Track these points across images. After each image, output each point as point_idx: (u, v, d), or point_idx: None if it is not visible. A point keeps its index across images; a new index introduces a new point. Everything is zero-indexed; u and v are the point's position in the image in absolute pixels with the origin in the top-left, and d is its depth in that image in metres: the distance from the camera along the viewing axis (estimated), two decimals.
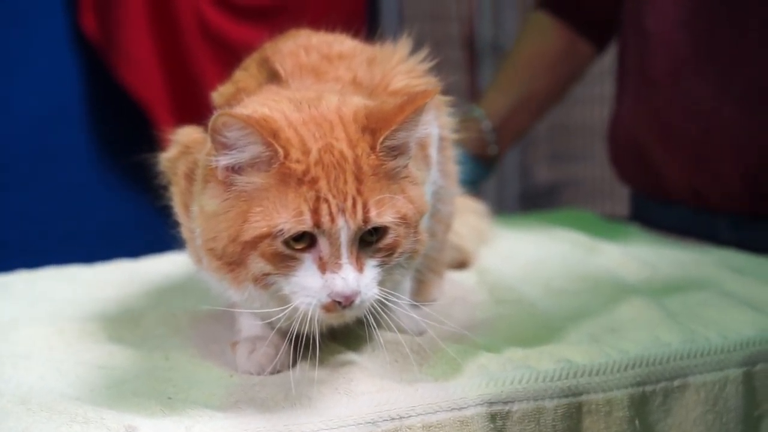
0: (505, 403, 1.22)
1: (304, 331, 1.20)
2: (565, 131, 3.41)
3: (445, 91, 1.43)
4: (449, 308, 1.53)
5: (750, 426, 1.38)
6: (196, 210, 1.21)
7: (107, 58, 3.11)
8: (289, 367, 1.27)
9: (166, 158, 1.37)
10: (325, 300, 1.13)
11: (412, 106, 1.15)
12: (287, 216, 1.11)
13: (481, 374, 1.24)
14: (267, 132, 1.12)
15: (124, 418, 1.12)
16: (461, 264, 1.72)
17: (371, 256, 1.16)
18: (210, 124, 1.11)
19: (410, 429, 1.16)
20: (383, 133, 1.15)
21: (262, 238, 1.12)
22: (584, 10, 2.18)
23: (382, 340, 1.33)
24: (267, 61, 1.37)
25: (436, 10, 3.58)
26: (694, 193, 1.98)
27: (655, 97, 2.00)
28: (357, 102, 1.22)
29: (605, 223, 2.19)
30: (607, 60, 2.53)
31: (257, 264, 1.14)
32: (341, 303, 1.13)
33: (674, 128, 1.97)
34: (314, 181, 1.12)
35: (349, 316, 1.18)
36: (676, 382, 1.33)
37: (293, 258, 1.13)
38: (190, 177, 1.28)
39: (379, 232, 1.16)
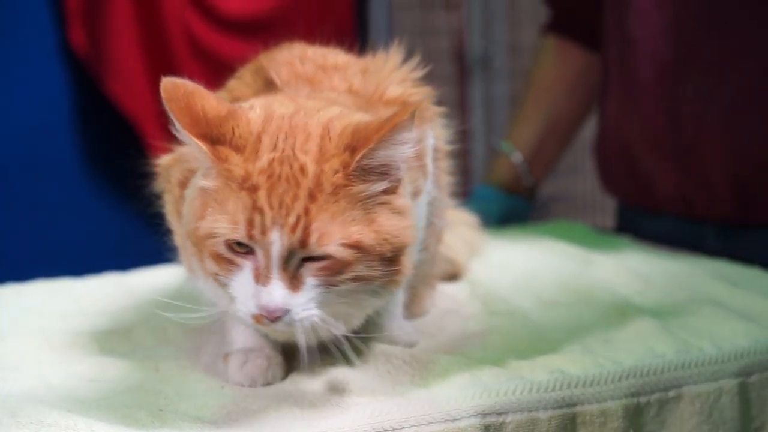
0: (499, 414, 1.21)
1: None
2: None
3: (437, 104, 1.44)
4: (441, 320, 1.53)
5: None
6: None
7: (95, 71, 3.10)
8: (281, 379, 1.26)
9: (161, 164, 1.36)
10: (253, 311, 1.11)
11: (389, 123, 1.09)
12: (225, 222, 1.09)
13: (474, 385, 1.23)
14: (196, 131, 1.12)
15: (115, 430, 1.10)
16: (453, 276, 1.72)
17: (313, 275, 1.11)
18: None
19: None
20: (361, 152, 1.10)
21: (206, 238, 1.12)
22: (595, 26, 2.18)
23: (374, 352, 1.33)
24: (262, 70, 1.37)
25: (426, 23, 3.59)
26: (681, 201, 1.97)
27: (640, 103, 1.99)
28: (356, 118, 1.18)
29: (597, 235, 2.18)
30: None
31: (207, 261, 1.14)
32: (267, 317, 1.11)
33: (660, 135, 1.96)
34: (254, 189, 1.09)
35: (282, 332, 1.16)
36: (670, 393, 1.32)
37: (234, 263, 1.11)
38: (183, 184, 1.27)
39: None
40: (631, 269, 1.79)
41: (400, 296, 1.41)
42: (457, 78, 3.60)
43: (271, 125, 1.14)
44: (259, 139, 1.13)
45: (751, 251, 1.88)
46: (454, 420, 1.18)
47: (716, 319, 1.48)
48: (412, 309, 1.50)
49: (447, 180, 1.52)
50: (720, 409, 1.34)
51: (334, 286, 1.12)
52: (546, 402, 1.24)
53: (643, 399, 1.30)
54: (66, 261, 2.24)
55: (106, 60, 3.10)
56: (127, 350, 1.41)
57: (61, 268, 1.95)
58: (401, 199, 1.17)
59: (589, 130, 2.43)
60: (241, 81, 1.40)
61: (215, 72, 3.08)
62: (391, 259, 1.15)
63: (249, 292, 1.11)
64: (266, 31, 3.17)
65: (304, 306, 1.11)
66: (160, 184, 1.37)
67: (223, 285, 1.15)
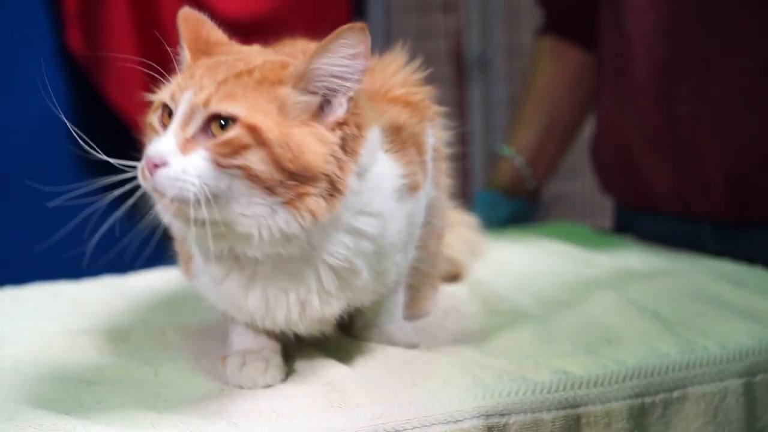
0: (502, 415, 1.20)
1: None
2: None
3: (436, 104, 1.43)
4: (442, 320, 1.52)
5: None
6: None
7: (93, 76, 3.09)
8: (280, 381, 1.25)
9: None
10: (143, 163, 1.13)
11: (336, 33, 1.12)
12: (165, 90, 1.18)
13: (476, 386, 1.22)
14: (193, 45, 1.24)
15: None
16: (454, 276, 1.70)
17: (206, 148, 1.10)
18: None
19: None
20: (302, 60, 1.15)
21: (154, 109, 1.19)
22: (591, 26, 2.17)
23: (374, 353, 1.32)
24: None
25: (423, 25, 3.58)
26: (678, 199, 1.96)
27: (636, 102, 1.98)
28: None
29: (597, 235, 2.17)
30: None
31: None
32: (146, 167, 1.11)
33: (656, 134, 1.95)
34: (193, 68, 1.17)
35: (167, 198, 1.10)
36: (675, 393, 1.31)
37: (152, 127, 1.18)
38: None
39: (226, 128, 1.11)
40: (632, 269, 1.78)
41: (400, 297, 1.41)
42: (456, 80, 3.59)
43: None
44: (208, 50, 1.23)
45: (749, 250, 1.87)
46: (456, 421, 1.17)
47: (720, 319, 1.47)
48: (414, 309, 1.49)
49: (446, 182, 1.52)
50: (725, 410, 1.33)
51: (224, 167, 1.10)
52: (549, 403, 1.23)
53: (647, 399, 1.29)
54: (64, 264, 2.22)
55: (104, 64, 3.09)
56: (125, 353, 1.40)
57: (59, 271, 1.94)
58: (330, 135, 1.14)
59: (586, 131, 2.42)
60: None
61: None
62: (294, 176, 1.11)
63: (149, 147, 1.13)
64: (264, 33, 3.15)
65: (184, 169, 1.09)
66: None
67: None
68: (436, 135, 1.44)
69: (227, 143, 1.10)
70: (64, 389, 1.24)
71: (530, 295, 1.64)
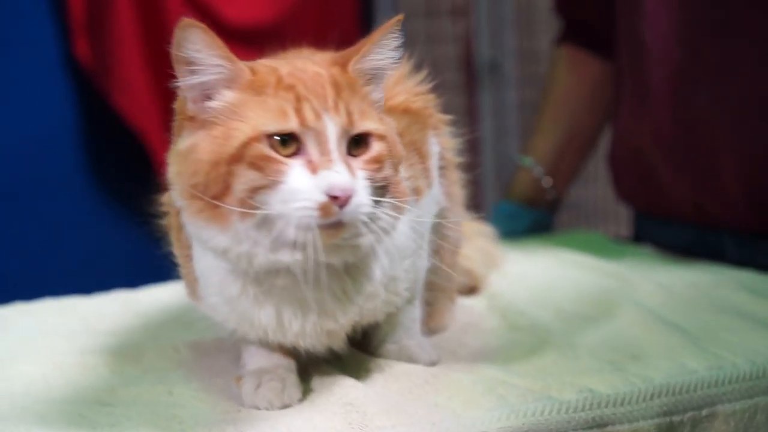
0: None
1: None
2: None
3: (444, 112, 1.43)
4: (461, 336, 1.49)
5: None
6: (170, 168, 1.15)
7: (101, 84, 3.08)
8: (297, 401, 1.22)
9: (164, 199, 1.33)
10: (321, 199, 1.07)
11: (381, 30, 1.16)
12: (270, 117, 1.09)
13: (501, 406, 1.19)
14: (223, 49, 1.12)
15: None
16: (471, 289, 1.68)
17: (361, 167, 1.11)
18: (173, 41, 1.11)
19: None
20: (354, 58, 1.16)
21: (247, 144, 1.08)
22: (608, 35, 2.14)
23: (394, 371, 1.29)
24: None
25: (432, 30, 3.55)
26: (697, 209, 1.94)
27: (653, 110, 1.96)
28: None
29: (615, 245, 2.14)
30: None
31: (244, 178, 1.08)
32: (338, 199, 1.07)
33: (674, 142, 1.93)
34: (290, 87, 1.11)
35: (346, 227, 1.09)
36: (704, 412, 1.27)
37: (280, 163, 1.08)
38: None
39: (363, 143, 1.13)
40: (653, 280, 1.74)
41: (417, 312, 1.38)
42: (466, 85, 3.56)
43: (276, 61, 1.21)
44: (270, 66, 1.16)
45: (767, 259, 1.84)
46: None
47: (747, 332, 1.44)
48: (432, 324, 1.46)
49: (459, 192, 1.50)
50: (755, 427, 1.30)
51: (374, 181, 1.12)
52: (576, 423, 1.20)
53: (675, 418, 1.26)
54: (74, 278, 2.20)
55: (112, 72, 3.08)
56: (138, 373, 1.37)
57: (70, 285, 1.92)
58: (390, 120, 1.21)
59: (601, 138, 2.39)
60: None
61: None
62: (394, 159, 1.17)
63: (309, 184, 1.07)
64: (270, 40, 3.14)
65: (363, 193, 1.10)
66: (165, 220, 1.33)
67: (258, 207, 1.08)
68: (442, 143, 1.42)
69: (375, 159, 1.13)
70: (78, 411, 1.21)
71: (551, 309, 1.61)
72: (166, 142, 2.91)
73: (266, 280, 1.16)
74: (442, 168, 1.41)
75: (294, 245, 1.09)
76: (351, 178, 1.08)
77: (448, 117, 1.44)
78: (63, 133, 3.11)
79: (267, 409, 1.20)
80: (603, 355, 1.37)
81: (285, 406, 1.21)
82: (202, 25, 1.10)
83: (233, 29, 3.20)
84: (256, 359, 1.27)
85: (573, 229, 2.66)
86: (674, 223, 2.03)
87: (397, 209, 1.16)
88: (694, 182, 1.91)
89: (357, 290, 1.19)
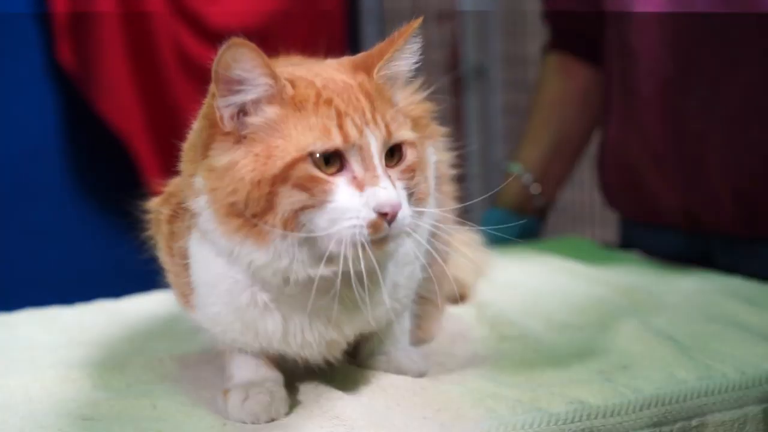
0: None
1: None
2: None
3: (436, 120, 1.41)
4: (450, 346, 1.47)
5: None
6: (199, 181, 1.13)
7: (84, 89, 3.05)
8: (284, 414, 1.20)
9: (150, 206, 1.32)
10: (371, 217, 1.07)
11: (403, 35, 1.16)
12: (314, 136, 1.08)
13: (490, 418, 1.18)
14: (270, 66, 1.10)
15: None
16: (460, 297, 1.66)
17: (399, 178, 1.13)
18: (217, 60, 1.08)
19: None
20: (378, 63, 1.16)
21: (292, 165, 1.07)
22: (597, 42, 2.14)
23: (381, 383, 1.28)
24: None
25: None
26: (687, 215, 1.93)
27: (642, 117, 1.95)
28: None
29: (603, 251, 2.13)
30: None
31: (289, 199, 1.08)
32: (387, 216, 1.08)
33: (664, 149, 1.92)
34: (329, 102, 1.10)
35: (391, 242, 1.11)
36: (693, 422, 1.27)
37: (326, 182, 1.08)
38: (173, 219, 1.24)
39: (397, 152, 1.14)
40: (643, 288, 1.74)
41: (406, 322, 1.37)
42: (452, 89, 3.55)
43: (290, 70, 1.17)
44: (307, 79, 1.14)
45: (759, 265, 1.83)
46: None
47: (737, 341, 1.43)
48: (420, 333, 1.45)
49: (451, 204, 1.48)
50: None
51: (409, 190, 1.14)
52: None
53: (666, 428, 1.25)
54: (57, 288, 2.18)
55: (95, 77, 3.06)
56: (122, 385, 1.35)
57: (52, 295, 1.89)
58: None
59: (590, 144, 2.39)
60: None
61: (205, 86, 3.04)
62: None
63: (358, 202, 1.08)
64: (259, 44, 3.13)
65: (406, 206, 1.11)
66: (151, 227, 1.32)
67: (303, 225, 1.08)
68: (438, 157, 1.40)
69: (410, 168, 1.14)
70: (59, 427, 1.19)
71: (540, 318, 1.60)
72: (151, 147, 2.87)
73: (278, 289, 1.16)
74: (436, 179, 1.39)
75: (332, 258, 1.09)
76: (396, 192, 1.09)
77: (443, 129, 1.43)
78: (46, 139, 3.09)
79: (253, 422, 1.19)
80: (593, 366, 1.36)
81: (272, 420, 1.19)
82: (252, 44, 1.08)
83: (217, 33, 3.18)
84: (243, 372, 1.26)
85: (560, 234, 2.65)
86: (663, 230, 2.03)
87: (419, 213, 1.17)
88: (684, 189, 1.91)
89: (362, 299, 1.17)
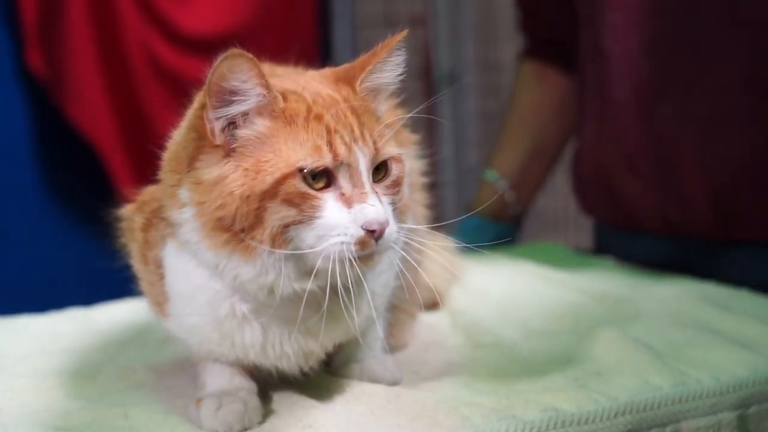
0: None
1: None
2: None
3: (407, 126, 1.41)
4: (424, 354, 1.47)
5: None
6: (185, 194, 1.12)
7: (54, 95, 3.03)
8: (258, 424, 1.19)
9: (123, 214, 1.31)
10: (358, 233, 1.08)
11: (386, 47, 1.16)
12: (304, 152, 1.08)
13: (464, 427, 1.17)
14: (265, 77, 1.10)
15: None
16: (433, 305, 1.65)
17: (384, 193, 1.13)
18: (213, 71, 1.07)
19: None
20: (360, 76, 1.16)
21: (282, 180, 1.07)
22: (572, 49, 2.14)
23: (355, 391, 1.27)
24: None
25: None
26: (663, 220, 1.94)
27: (617, 122, 1.96)
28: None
29: (578, 257, 2.14)
30: None
31: (278, 214, 1.08)
32: (375, 233, 1.08)
33: (638, 153, 1.93)
34: (320, 117, 1.10)
35: (377, 257, 1.12)
36: (668, 429, 1.27)
37: (315, 198, 1.08)
38: (147, 227, 1.23)
39: (383, 168, 1.14)
40: (618, 295, 1.74)
41: (379, 331, 1.35)
42: (424, 94, 3.55)
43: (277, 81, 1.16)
44: (297, 93, 1.14)
45: (734, 269, 1.84)
46: None
47: (712, 348, 1.43)
48: (392, 341, 1.44)
49: (423, 212, 1.49)
50: None
51: (395, 205, 1.15)
52: None
53: None
54: (26, 295, 2.16)
55: (66, 83, 3.04)
56: (94, 395, 1.33)
57: (22, 303, 1.88)
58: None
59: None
60: None
61: (176, 92, 3.03)
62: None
63: (346, 218, 1.08)
64: (229, 49, 3.13)
65: (393, 222, 1.12)
66: (123, 235, 1.31)
67: (290, 241, 1.09)
68: (409, 162, 1.40)
69: (395, 183, 1.15)
70: None
71: (514, 325, 1.59)
72: (122, 154, 2.84)
73: (258, 301, 1.15)
74: (409, 187, 1.39)
75: (319, 273, 1.10)
76: (383, 209, 1.10)
77: (415, 137, 1.44)
78: (17, 145, 3.06)
79: None
80: (567, 373, 1.35)
81: (245, 430, 1.18)
82: (248, 55, 1.07)
83: (189, 39, 3.17)
84: (217, 381, 1.25)
85: (534, 240, 2.65)
86: (638, 234, 2.03)
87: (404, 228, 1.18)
88: (659, 194, 1.91)
89: (347, 309, 1.17)
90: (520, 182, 2.25)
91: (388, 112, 1.35)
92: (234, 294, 1.16)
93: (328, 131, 1.10)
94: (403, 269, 1.34)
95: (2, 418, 1.24)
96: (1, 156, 3.00)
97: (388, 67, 1.18)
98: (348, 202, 1.09)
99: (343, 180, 1.09)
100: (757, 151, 1.78)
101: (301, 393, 1.26)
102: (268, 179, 1.07)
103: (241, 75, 1.08)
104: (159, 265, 1.21)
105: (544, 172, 2.32)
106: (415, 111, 1.29)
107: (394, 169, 1.15)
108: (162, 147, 1.21)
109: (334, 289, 1.11)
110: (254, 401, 1.22)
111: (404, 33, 1.16)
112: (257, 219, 1.08)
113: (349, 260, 1.08)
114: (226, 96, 1.09)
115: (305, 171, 1.08)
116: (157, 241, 1.21)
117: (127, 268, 1.31)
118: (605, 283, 1.84)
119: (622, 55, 1.92)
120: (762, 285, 1.76)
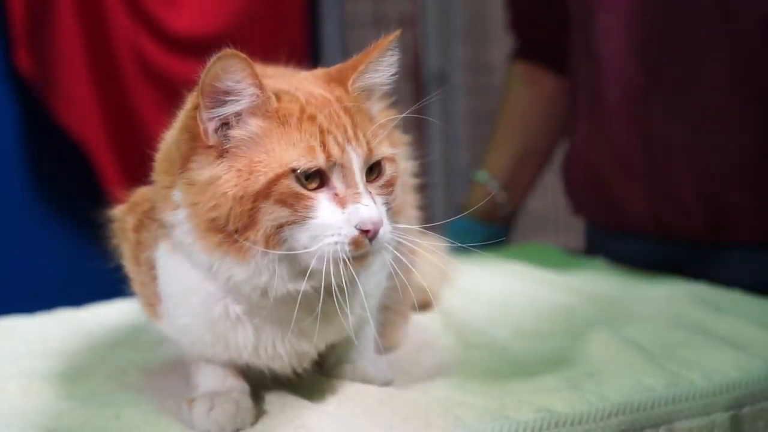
0: None
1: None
2: None
3: (398, 127, 1.40)
4: (416, 354, 1.47)
5: None
6: (178, 196, 1.12)
7: (43, 96, 3.02)
8: (250, 425, 1.19)
9: (115, 214, 1.30)
10: (352, 233, 1.08)
11: (378, 47, 1.16)
12: (297, 153, 1.08)
13: (457, 427, 1.17)
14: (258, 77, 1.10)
15: None
16: (424, 305, 1.65)
17: (378, 193, 1.14)
18: (206, 72, 1.07)
19: None
20: (352, 77, 1.16)
21: (275, 181, 1.07)
22: (563, 51, 2.14)
23: (347, 392, 1.27)
24: None
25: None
26: (654, 221, 1.94)
27: (608, 123, 1.96)
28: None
29: (569, 258, 2.14)
30: None
31: (271, 215, 1.08)
32: (368, 233, 1.08)
33: (630, 154, 1.93)
34: (313, 118, 1.10)
35: (371, 257, 1.12)
36: (661, 429, 1.27)
37: (309, 198, 1.08)
38: (139, 228, 1.23)
39: (376, 168, 1.14)
40: (609, 295, 1.74)
41: (371, 331, 1.35)
42: (414, 95, 3.55)
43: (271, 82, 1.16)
44: (290, 93, 1.14)
45: (724, 271, 1.84)
46: None
47: (704, 349, 1.43)
48: (384, 341, 1.44)
49: (414, 214, 1.48)
50: None
51: (388, 205, 1.15)
52: None
53: None
54: (15, 297, 2.15)
55: (54, 83, 3.03)
56: (85, 396, 1.33)
57: (10, 304, 1.87)
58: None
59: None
60: None
61: (165, 92, 3.02)
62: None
63: (340, 218, 1.08)
64: (219, 50, 3.11)
65: (386, 222, 1.12)
66: (115, 236, 1.31)
67: (284, 242, 1.08)
68: (401, 163, 1.40)
69: (389, 183, 1.15)
70: None
71: (506, 326, 1.59)
72: (111, 155, 2.83)
73: (251, 301, 1.15)
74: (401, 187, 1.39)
75: (313, 274, 1.09)
76: (377, 209, 1.09)
77: (406, 138, 1.44)
78: (6, 146, 3.05)
79: None
80: (560, 373, 1.35)
81: (237, 430, 1.18)
82: (242, 55, 1.07)
83: (178, 39, 3.17)
84: (209, 381, 1.24)
85: (525, 240, 2.65)
86: (629, 236, 2.03)
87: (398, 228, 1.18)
88: (651, 195, 1.91)
89: (340, 309, 1.16)
90: (511, 183, 2.25)
91: (380, 113, 1.35)
92: (227, 295, 1.15)
93: (321, 132, 1.09)
94: (396, 270, 1.35)
95: None
96: None
97: (380, 67, 1.17)
98: (341, 202, 1.09)
99: (336, 180, 1.09)
100: (748, 152, 1.78)
101: (293, 393, 1.26)
102: (262, 179, 1.07)
103: (235, 75, 1.07)
104: (151, 266, 1.21)
105: (535, 173, 2.32)
106: (405, 113, 1.29)
107: (388, 170, 1.15)
108: (153, 148, 1.21)
109: (328, 289, 1.11)
110: (247, 402, 1.21)
111: (397, 33, 1.16)
112: (251, 220, 1.07)
113: (343, 260, 1.08)
114: (219, 96, 1.09)
115: (298, 171, 1.07)
116: (150, 242, 1.21)
117: (117, 269, 1.31)
118: (597, 284, 1.84)
119: (614, 56, 1.92)
120: (753, 286, 1.76)
